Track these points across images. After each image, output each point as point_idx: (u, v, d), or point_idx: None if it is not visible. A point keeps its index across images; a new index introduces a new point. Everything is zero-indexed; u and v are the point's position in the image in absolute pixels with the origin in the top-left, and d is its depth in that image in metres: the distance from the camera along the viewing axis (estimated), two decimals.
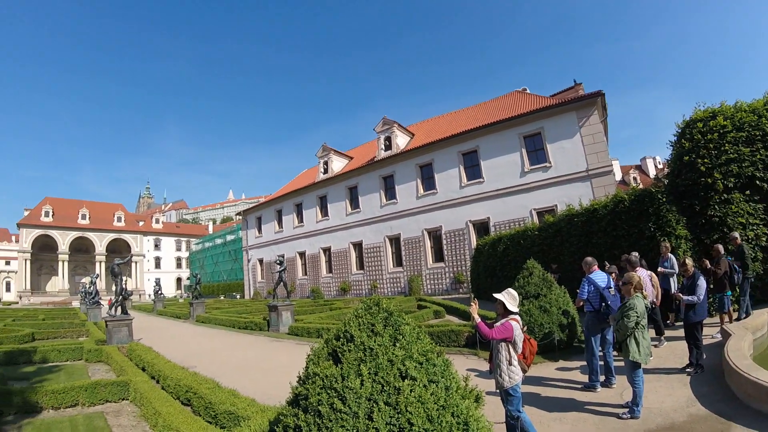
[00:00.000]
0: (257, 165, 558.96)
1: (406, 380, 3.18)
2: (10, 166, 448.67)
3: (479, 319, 5.64)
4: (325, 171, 44.49)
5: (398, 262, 36.66)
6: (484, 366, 9.75)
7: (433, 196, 34.01)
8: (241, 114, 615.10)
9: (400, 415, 2.99)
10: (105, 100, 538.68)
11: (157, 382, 9.79)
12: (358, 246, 40.19)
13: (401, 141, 38.53)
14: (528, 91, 36.96)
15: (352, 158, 45.67)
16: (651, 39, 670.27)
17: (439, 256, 33.78)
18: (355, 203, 40.89)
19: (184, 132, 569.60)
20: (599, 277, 8.62)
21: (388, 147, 38.18)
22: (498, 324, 5.64)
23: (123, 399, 9.27)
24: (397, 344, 3.41)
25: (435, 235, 34.12)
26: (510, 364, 5.52)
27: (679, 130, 14.68)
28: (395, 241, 36.99)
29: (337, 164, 44.65)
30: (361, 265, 39.84)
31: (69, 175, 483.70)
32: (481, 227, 31.04)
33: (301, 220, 47.04)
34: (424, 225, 34.48)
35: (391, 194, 37.57)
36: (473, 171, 31.91)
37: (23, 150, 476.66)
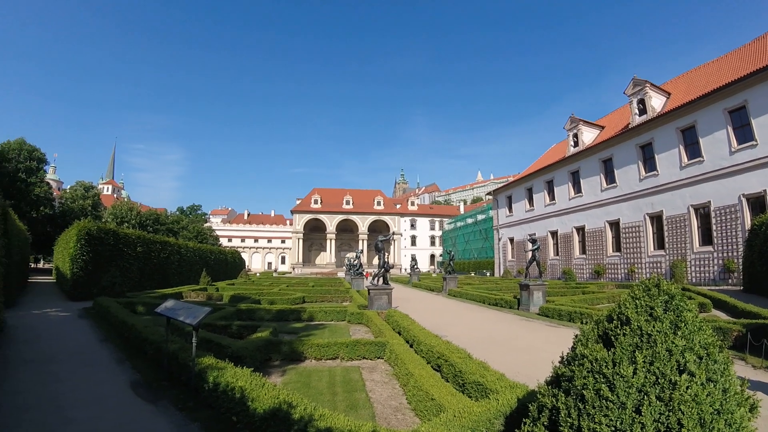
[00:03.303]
0: (504, 144, 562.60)
1: (683, 375, 2.83)
2: (283, 165, 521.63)
3: None
4: (576, 144, 41.53)
5: (659, 244, 31.98)
6: (754, 374, 8.17)
7: (699, 165, 28.66)
8: (482, 95, 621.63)
9: (670, 413, 2.71)
10: (360, 101, 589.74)
11: (411, 346, 9.84)
12: (614, 225, 36.32)
13: (656, 103, 33.41)
14: None
15: (603, 128, 41.47)
16: None
17: (706, 238, 28.47)
18: (610, 177, 36.96)
19: (431, 121, 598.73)
20: None
21: (642, 111, 33.69)
22: None
23: (378, 358, 9.61)
24: (678, 333, 3.02)
25: (702, 213, 28.86)
26: None
27: None
28: (656, 219, 32.32)
29: (588, 135, 41.22)
30: (617, 246, 35.96)
31: (332, 168, 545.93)
32: (756, 203, 25.19)
33: (552, 198, 44.73)
34: (689, 200, 29.31)
35: (650, 165, 32.81)
36: (743, 132, 25.99)
37: (293, 150, 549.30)
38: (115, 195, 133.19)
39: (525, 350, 10.97)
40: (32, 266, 47.31)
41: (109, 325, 13.64)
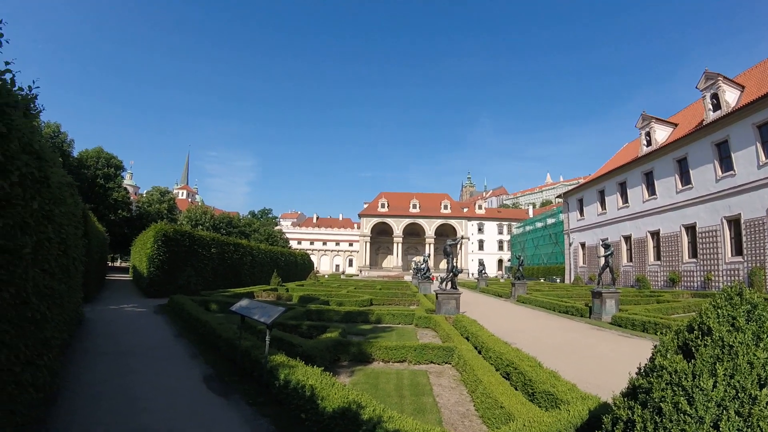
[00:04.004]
0: (573, 145, 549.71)
1: (764, 389, 2.70)
2: (351, 169, 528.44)
3: None
4: (648, 143, 39.43)
5: (737, 249, 29.62)
6: None
7: None
8: (549, 94, 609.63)
9: (749, 430, 2.59)
10: (426, 103, 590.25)
11: (479, 352, 9.62)
12: (690, 229, 34.09)
13: (730, 97, 30.98)
14: None
15: (676, 125, 39.01)
16: None
17: None
18: (685, 178, 34.64)
19: (497, 122, 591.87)
20: None
21: (716, 106, 31.40)
22: None
23: (446, 363, 9.48)
24: (760, 344, 2.87)
25: None
26: None
27: None
28: (734, 223, 30.03)
29: (661, 134, 39.00)
30: (693, 252, 33.66)
31: (399, 172, 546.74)
32: None
33: (625, 200, 42.62)
34: None
35: (727, 164, 30.49)
36: None
37: (361, 154, 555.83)
38: (189, 199, 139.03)
39: (596, 360, 10.63)
40: (110, 265, 50.02)
41: (184, 321, 14.11)
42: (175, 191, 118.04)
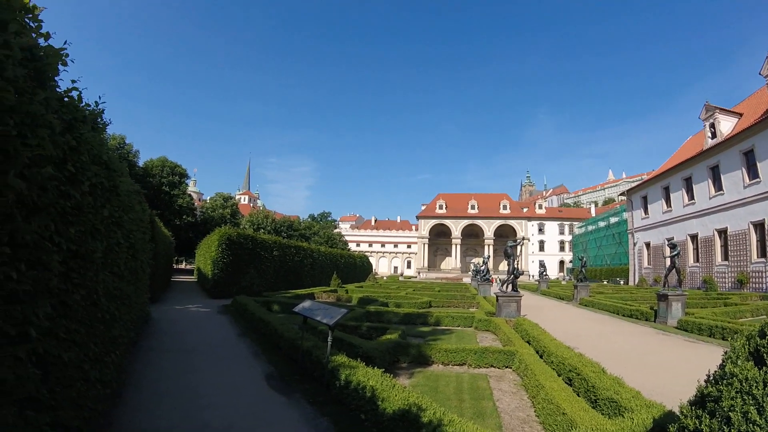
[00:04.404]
0: (635, 140, 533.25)
1: None
2: (408, 172, 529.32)
3: None
4: (713, 135, 37.07)
5: None
6: None
7: None
8: (607, 90, 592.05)
9: None
10: (482, 103, 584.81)
11: (540, 356, 9.44)
12: (758, 226, 31.55)
13: None
14: None
15: (741, 115, 36.33)
16: None
17: None
18: (752, 171, 32.09)
19: (556, 120, 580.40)
20: None
21: None
22: None
23: (506, 367, 9.33)
24: None
25: None
26: None
27: None
28: None
29: (726, 125, 36.49)
30: (762, 251, 31.25)
31: (457, 174, 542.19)
32: None
33: (691, 197, 40.22)
34: None
35: None
36: None
37: (418, 156, 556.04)
38: (251, 204, 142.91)
39: (661, 367, 10.22)
40: (175, 267, 52.15)
41: (247, 321, 14.50)
42: (237, 197, 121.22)
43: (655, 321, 18.04)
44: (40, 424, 3.01)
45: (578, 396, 6.71)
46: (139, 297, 9.81)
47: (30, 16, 3.01)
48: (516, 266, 18.37)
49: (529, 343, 10.93)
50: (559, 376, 7.75)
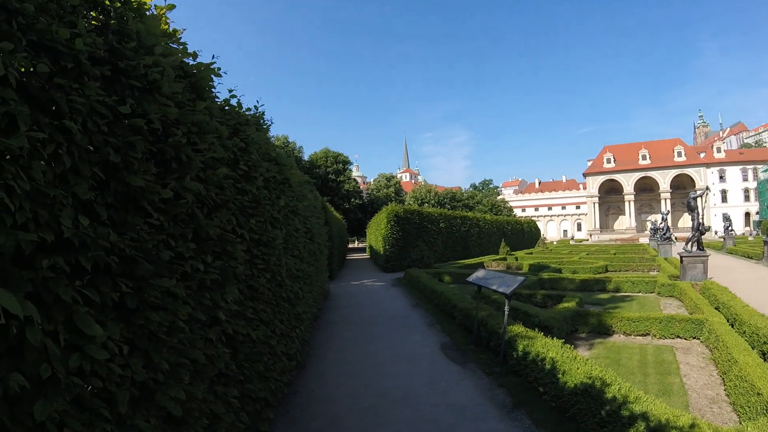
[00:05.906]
0: None
1: None
2: (568, 127, 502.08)
3: None
4: None
5: None
6: None
7: None
8: None
9: None
10: (636, 31, 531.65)
11: (732, 326, 8.42)
12: None
13: None
14: None
15: None
16: None
17: None
18: None
19: (725, 43, 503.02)
20: None
21: None
22: None
23: (694, 338, 8.62)
24: None
25: None
26: None
27: None
28: None
29: None
30: None
31: (621, 122, 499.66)
32: None
33: None
34: None
35: None
36: None
37: (576, 109, 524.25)
38: (412, 181, 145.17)
39: None
40: (349, 246, 55.49)
41: (419, 292, 14.96)
42: (398, 175, 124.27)
43: None
44: (228, 397, 3.38)
45: None
46: (319, 276, 10.55)
47: (173, 39, 3.32)
48: (701, 221, 16.60)
49: (719, 310, 9.88)
50: (753, 348, 6.89)
